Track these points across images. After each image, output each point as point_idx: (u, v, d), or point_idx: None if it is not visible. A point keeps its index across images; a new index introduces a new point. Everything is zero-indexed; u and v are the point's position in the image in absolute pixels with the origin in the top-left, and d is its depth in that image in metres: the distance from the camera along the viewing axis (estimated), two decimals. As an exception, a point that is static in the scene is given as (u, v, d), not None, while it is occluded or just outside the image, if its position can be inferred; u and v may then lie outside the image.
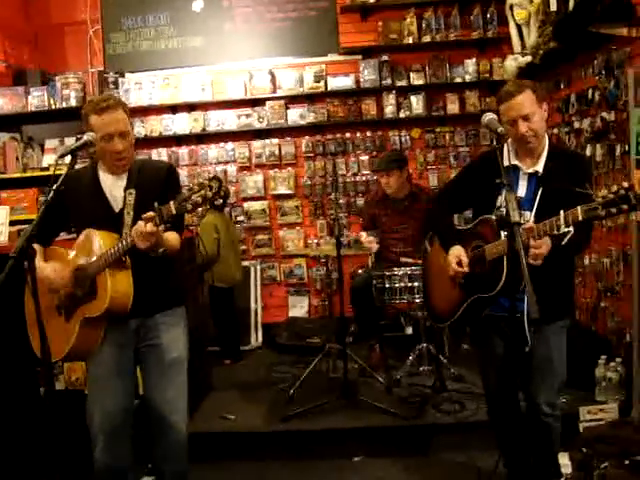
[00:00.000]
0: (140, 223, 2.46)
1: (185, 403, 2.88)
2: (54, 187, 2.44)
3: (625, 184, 2.19)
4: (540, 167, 2.76)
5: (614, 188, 2.19)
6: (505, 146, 2.79)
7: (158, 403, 2.81)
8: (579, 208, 2.28)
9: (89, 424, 2.80)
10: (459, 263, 2.85)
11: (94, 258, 2.64)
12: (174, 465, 2.88)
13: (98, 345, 2.76)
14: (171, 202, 2.39)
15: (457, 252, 2.88)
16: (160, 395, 2.81)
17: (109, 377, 2.78)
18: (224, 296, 5.46)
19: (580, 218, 2.28)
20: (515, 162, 2.79)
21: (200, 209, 2.48)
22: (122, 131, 2.67)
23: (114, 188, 2.78)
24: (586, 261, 4.42)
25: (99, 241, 2.65)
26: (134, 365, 2.88)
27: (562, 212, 2.34)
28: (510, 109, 2.70)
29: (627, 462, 3.09)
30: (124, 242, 2.56)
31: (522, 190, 2.76)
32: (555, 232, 2.40)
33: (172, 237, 2.72)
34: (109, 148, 2.66)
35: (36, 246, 2.65)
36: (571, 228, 2.40)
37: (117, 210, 2.75)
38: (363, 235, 4.94)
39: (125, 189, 2.75)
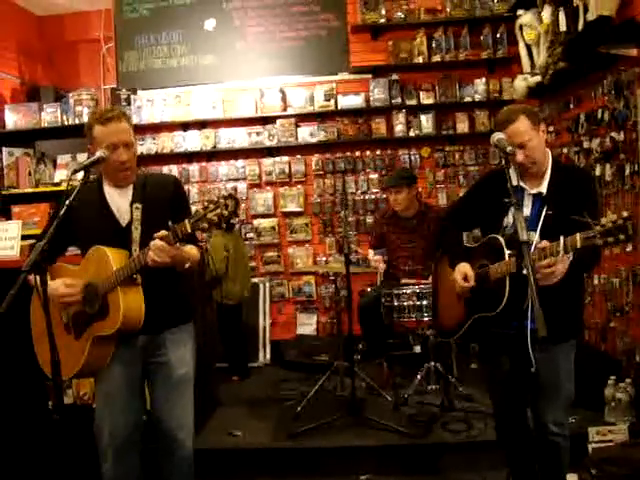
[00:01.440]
0: (157, 241, 2.45)
1: (191, 420, 2.88)
2: (67, 202, 2.45)
3: (625, 214, 2.21)
4: (544, 188, 2.76)
5: (613, 217, 2.21)
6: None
7: (165, 420, 2.81)
8: (578, 236, 2.30)
9: (97, 439, 2.80)
10: (465, 278, 2.87)
11: (105, 275, 2.62)
12: None
13: (107, 362, 2.74)
14: (186, 220, 2.37)
15: (463, 269, 2.90)
16: (167, 412, 2.81)
17: (118, 393, 2.77)
18: (232, 313, 5.46)
19: (578, 245, 2.30)
20: (520, 183, 2.79)
21: (216, 228, 2.47)
22: (126, 141, 2.68)
23: (120, 202, 2.77)
24: (595, 281, 4.40)
25: (110, 257, 2.62)
26: (142, 381, 2.88)
27: (562, 238, 2.36)
28: (506, 138, 2.67)
29: (637, 484, 3.07)
30: (137, 260, 2.55)
31: (527, 210, 2.76)
32: (554, 257, 2.41)
33: (193, 251, 2.73)
34: (114, 158, 2.65)
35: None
36: (570, 255, 2.40)
37: (124, 224, 2.74)
38: (371, 253, 4.95)
39: (131, 203, 2.74)
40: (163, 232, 2.44)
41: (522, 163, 2.70)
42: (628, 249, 3.93)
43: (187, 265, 2.66)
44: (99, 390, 2.88)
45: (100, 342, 2.68)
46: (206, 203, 2.34)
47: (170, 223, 2.44)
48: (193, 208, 2.69)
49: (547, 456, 2.84)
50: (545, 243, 2.47)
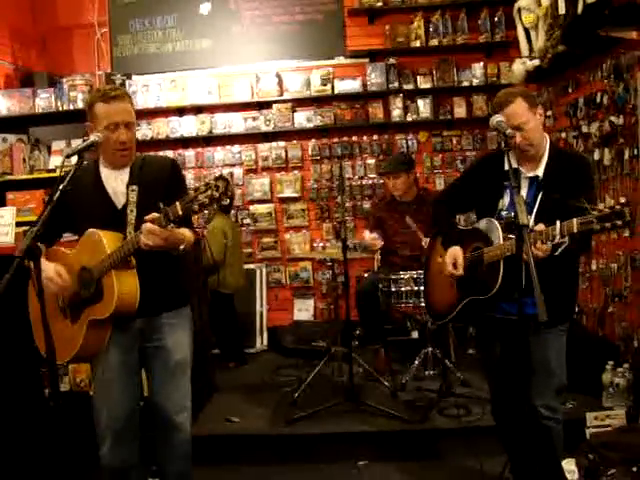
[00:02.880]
0: (148, 224, 2.43)
1: (189, 404, 2.87)
2: (60, 187, 2.42)
3: (622, 199, 2.23)
4: (540, 171, 2.76)
5: (611, 203, 2.23)
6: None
7: (163, 404, 2.80)
8: (574, 220, 2.30)
9: (96, 424, 2.80)
10: (454, 265, 2.86)
11: (99, 259, 2.60)
12: (178, 466, 2.88)
13: (104, 346, 2.73)
14: (177, 202, 2.35)
15: (454, 253, 2.89)
16: (165, 396, 2.80)
17: (115, 378, 2.76)
18: (226, 301, 5.44)
19: (575, 230, 2.31)
20: (516, 166, 2.77)
21: (207, 210, 2.45)
22: (128, 121, 2.65)
23: (116, 184, 2.73)
24: (594, 266, 4.40)
25: (103, 241, 2.60)
26: (139, 367, 2.87)
27: (558, 222, 2.35)
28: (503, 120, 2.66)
29: (634, 469, 3.07)
30: (130, 243, 2.53)
31: (523, 193, 2.75)
32: (550, 241, 2.41)
33: (187, 233, 2.69)
34: (114, 137, 2.62)
35: (40, 245, 2.64)
36: (566, 239, 2.39)
37: (119, 207, 2.71)
38: (366, 234, 4.93)
39: (127, 185, 2.70)
40: (154, 214, 2.42)
41: (519, 145, 2.69)
42: (626, 234, 3.91)
43: (181, 247, 2.63)
44: (96, 375, 2.86)
45: (96, 326, 2.67)
46: (197, 185, 2.33)
47: (161, 205, 2.40)
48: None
49: (540, 440, 2.84)
50: (541, 226, 2.46)
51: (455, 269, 2.86)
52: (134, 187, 2.68)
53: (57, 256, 2.81)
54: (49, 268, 2.65)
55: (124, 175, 2.74)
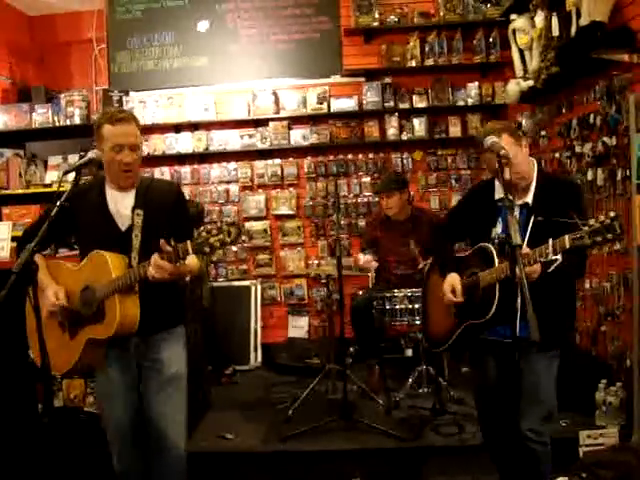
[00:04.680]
0: (157, 257, 2.49)
1: (184, 419, 2.91)
2: (58, 203, 2.45)
3: (612, 214, 2.25)
4: (529, 199, 2.80)
5: (601, 218, 2.25)
6: (495, 180, 2.83)
7: (156, 418, 2.83)
8: (566, 237, 2.34)
9: (107, 436, 2.92)
10: (453, 292, 2.90)
11: (103, 280, 2.65)
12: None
13: (100, 362, 2.80)
14: (189, 242, 2.42)
15: (452, 281, 2.93)
16: (158, 410, 2.83)
17: (117, 393, 2.84)
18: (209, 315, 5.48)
19: (567, 246, 2.33)
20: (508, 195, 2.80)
21: (214, 253, 2.53)
22: (133, 144, 2.71)
23: (121, 206, 2.79)
24: (587, 285, 4.41)
25: (109, 263, 2.65)
26: (137, 380, 2.90)
27: (550, 240, 2.38)
28: (492, 157, 2.68)
29: (627, 487, 3.07)
30: (137, 272, 2.59)
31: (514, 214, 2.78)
32: (543, 259, 2.43)
33: (193, 262, 2.75)
34: (118, 158, 2.68)
35: (38, 259, 2.69)
36: (559, 256, 2.41)
37: (123, 229, 2.77)
38: (361, 257, 4.95)
39: (133, 208, 2.76)
40: (166, 248, 2.47)
41: (510, 180, 2.69)
42: (616, 247, 3.93)
43: (187, 278, 2.69)
44: (99, 392, 3.01)
45: (93, 344, 2.73)
46: (209, 227, 2.41)
47: (172, 242, 2.48)
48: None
49: (527, 461, 2.85)
50: (526, 249, 2.48)
51: (454, 296, 2.89)
52: (139, 211, 2.74)
53: (60, 270, 2.87)
54: (49, 287, 2.73)
55: (129, 197, 2.79)
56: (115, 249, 2.70)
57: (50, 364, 2.50)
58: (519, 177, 2.74)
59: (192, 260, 2.72)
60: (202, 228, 2.42)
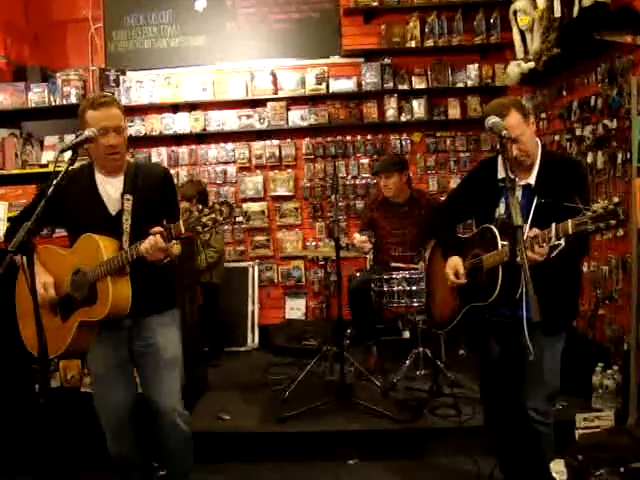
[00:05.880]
0: (152, 238, 2.53)
1: (180, 396, 2.98)
2: (54, 182, 2.44)
3: (615, 199, 2.25)
4: (532, 179, 2.77)
5: (604, 203, 2.24)
6: (499, 158, 2.79)
7: (156, 398, 2.88)
8: (569, 222, 2.32)
9: (98, 418, 2.95)
10: (456, 274, 2.89)
11: (95, 263, 2.67)
12: (179, 459, 3.03)
13: (92, 343, 2.83)
14: (181, 221, 2.47)
15: (454, 263, 2.93)
16: (157, 391, 2.88)
17: (109, 375, 2.87)
18: (215, 293, 5.52)
19: (570, 231, 2.32)
20: (511, 175, 2.77)
21: (208, 232, 2.55)
22: (117, 126, 2.73)
23: (111, 190, 2.82)
24: (585, 269, 4.41)
25: (101, 246, 2.68)
26: (130, 363, 2.95)
27: (553, 225, 2.36)
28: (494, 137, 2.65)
29: (622, 470, 3.08)
30: (129, 253, 2.61)
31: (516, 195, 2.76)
32: (546, 245, 2.42)
33: (176, 247, 2.80)
34: (103, 142, 2.70)
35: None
36: (562, 241, 2.40)
37: (113, 213, 2.80)
38: (356, 235, 4.93)
39: (122, 193, 2.79)
40: (158, 229, 2.53)
41: (516, 157, 2.68)
42: (619, 234, 3.93)
43: (166, 260, 2.72)
44: (91, 373, 3.01)
45: (86, 326, 2.75)
46: (201, 207, 2.45)
47: (165, 223, 2.53)
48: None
49: (529, 442, 2.86)
50: (536, 231, 2.46)
51: (457, 278, 2.89)
52: (128, 196, 2.78)
53: (50, 255, 2.88)
54: (38, 276, 2.69)
55: (118, 182, 2.83)
56: (105, 232, 2.73)
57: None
58: (524, 155, 2.71)
59: (174, 246, 2.75)
60: (194, 208, 2.46)
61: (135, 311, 2.75)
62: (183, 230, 2.47)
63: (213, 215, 2.41)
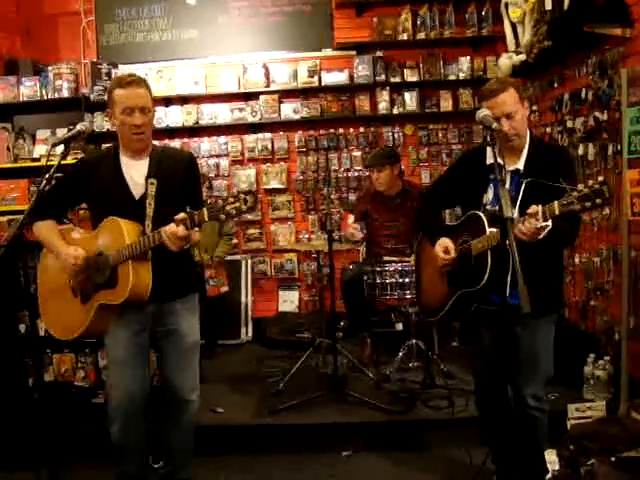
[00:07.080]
0: (173, 226, 2.53)
1: (198, 384, 3.05)
2: (46, 176, 2.46)
3: (600, 178, 2.26)
4: (521, 165, 2.78)
5: (589, 183, 2.25)
6: (487, 147, 2.81)
7: (178, 384, 2.94)
8: (555, 203, 2.33)
9: (108, 402, 2.96)
10: (446, 251, 2.88)
11: (117, 247, 2.69)
12: (185, 443, 3.08)
13: (111, 326, 2.85)
14: (205, 209, 2.45)
15: (444, 242, 2.91)
16: (180, 376, 2.94)
17: (128, 360, 2.87)
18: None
19: (557, 212, 2.33)
20: (498, 160, 2.79)
21: (231, 221, 2.56)
22: (143, 106, 2.73)
23: (135, 174, 2.81)
24: (576, 260, 4.44)
25: (124, 230, 2.69)
26: (149, 348, 3.00)
27: (540, 206, 2.37)
28: (493, 107, 2.69)
29: (613, 459, 3.11)
30: (151, 239, 2.62)
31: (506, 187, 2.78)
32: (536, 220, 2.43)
33: (197, 235, 2.78)
34: (128, 121, 2.71)
35: (49, 222, 2.81)
36: (549, 222, 2.41)
37: (137, 197, 2.80)
38: (351, 218, 4.93)
39: (147, 177, 2.78)
40: (182, 214, 2.51)
41: (507, 133, 2.70)
42: (605, 212, 3.95)
43: (186, 247, 2.73)
44: (109, 356, 2.99)
45: (105, 309, 2.78)
46: (226, 195, 2.47)
47: (188, 209, 2.52)
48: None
49: (525, 430, 2.88)
50: (536, 208, 2.45)
51: (447, 254, 2.87)
52: (153, 180, 2.77)
53: (73, 236, 2.93)
54: (67, 248, 2.80)
55: (143, 166, 2.82)
56: (129, 216, 2.74)
57: (59, 330, 2.72)
58: (515, 133, 2.71)
59: (195, 234, 2.74)
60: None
61: (159, 296, 2.77)
62: (207, 218, 2.45)
63: (237, 204, 2.39)
